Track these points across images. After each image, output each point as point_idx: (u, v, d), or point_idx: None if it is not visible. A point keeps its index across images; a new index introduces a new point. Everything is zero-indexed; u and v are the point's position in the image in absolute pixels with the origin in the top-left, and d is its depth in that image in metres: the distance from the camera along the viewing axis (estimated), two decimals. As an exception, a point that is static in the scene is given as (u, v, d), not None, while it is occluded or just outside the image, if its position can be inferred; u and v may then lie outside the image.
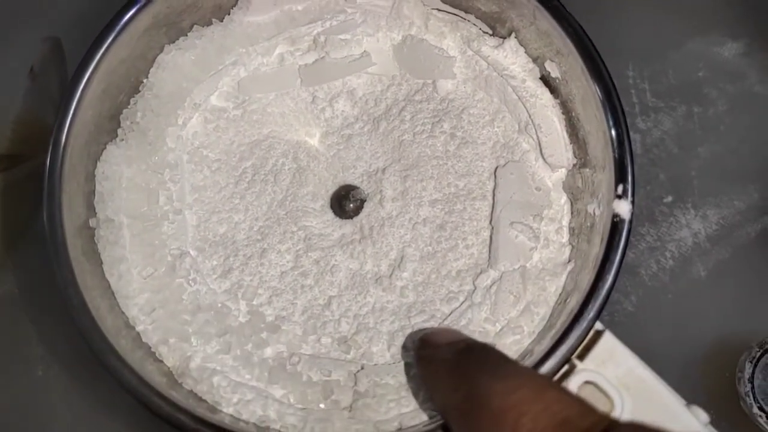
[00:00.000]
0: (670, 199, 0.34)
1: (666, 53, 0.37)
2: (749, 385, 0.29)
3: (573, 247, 0.29)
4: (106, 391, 0.32)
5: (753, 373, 0.29)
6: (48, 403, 0.32)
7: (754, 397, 0.29)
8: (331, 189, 0.32)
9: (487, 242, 0.30)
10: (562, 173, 0.30)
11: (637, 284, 0.33)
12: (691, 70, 0.36)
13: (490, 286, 0.28)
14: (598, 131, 0.27)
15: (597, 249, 0.25)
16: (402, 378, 0.27)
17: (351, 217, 0.31)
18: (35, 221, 0.34)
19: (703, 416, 0.23)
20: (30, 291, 0.34)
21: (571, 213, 0.29)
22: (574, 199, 0.30)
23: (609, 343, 0.23)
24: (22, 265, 0.34)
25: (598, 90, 0.26)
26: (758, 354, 0.29)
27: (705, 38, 0.37)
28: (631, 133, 0.34)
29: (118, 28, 0.28)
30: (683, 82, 0.36)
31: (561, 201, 0.30)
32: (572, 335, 0.23)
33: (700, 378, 0.32)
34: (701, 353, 0.32)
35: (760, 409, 0.28)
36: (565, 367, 0.23)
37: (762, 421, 0.28)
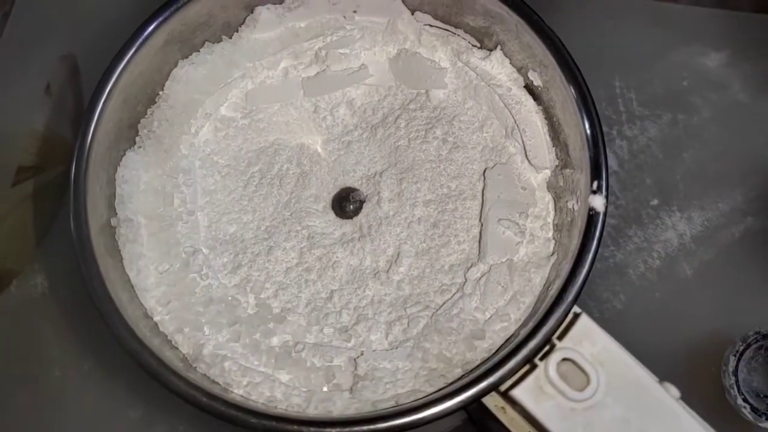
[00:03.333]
0: (656, 202, 0.36)
1: (652, 64, 0.38)
2: (733, 378, 0.29)
3: (556, 241, 0.31)
4: (121, 391, 0.34)
5: (737, 366, 0.30)
6: (64, 402, 0.34)
7: (738, 390, 0.29)
8: (333, 191, 0.34)
9: (478, 238, 0.32)
10: (546, 174, 0.32)
11: (626, 283, 0.34)
12: (675, 79, 0.38)
13: (480, 278, 0.31)
14: (576, 134, 0.29)
15: (576, 241, 0.27)
16: (398, 362, 0.29)
17: (351, 217, 0.34)
18: (51, 230, 0.36)
19: (674, 391, 0.25)
20: (48, 296, 0.36)
21: (555, 210, 0.32)
22: (557, 197, 0.32)
23: (585, 324, 0.25)
24: (43, 274, 0.36)
25: (575, 95, 0.29)
26: (741, 348, 0.30)
27: (689, 49, 0.38)
28: (618, 140, 0.36)
29: (137, 44, 0.30)
30: (668, 91, 0.38)
31: (545, 199, 0.32)
32: (552, 318, 0.25)
33: (687, 372, 0.32)
34: (688, 349, 0.33)
35: (744, 400, 0.29)
36: (547, 347, 0.25)
37: (746, 411, 0.29)
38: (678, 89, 0.38)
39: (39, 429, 0.34)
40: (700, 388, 0.31)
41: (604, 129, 0.28)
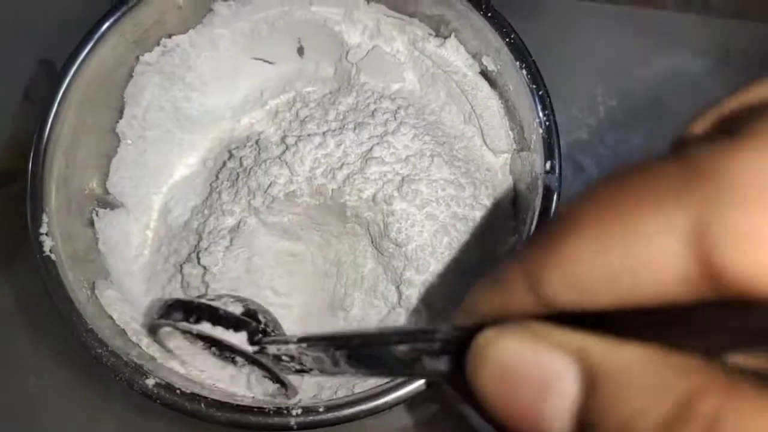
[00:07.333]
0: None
1: (634, 71, 0.38)
2: None
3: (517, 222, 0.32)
4: (96, 399, 0.34)
5: None
6: (40, 410, 0.34)
7: None
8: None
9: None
10: (506, 157, 0.33)
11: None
12: (658, 86, 0.38)
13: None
14: (530, 117, 0.30)
15: (531, 220, 0.28)
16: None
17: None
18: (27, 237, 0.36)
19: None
20: (23, 305, 0.36)
21: (514, 192, 0.32)
22: (516, 180, 0.32)
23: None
24: (16, 282, 0.36)
25: (527, 78, 0.29)
26: None
27: (672, 56, 0.38)
28: (600, 148, 0.36)
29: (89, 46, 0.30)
30: (651, 99, 0.37)
31: (508, 182, 0.33)
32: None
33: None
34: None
35: None
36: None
37: None
38: (661, 96, 0.37)
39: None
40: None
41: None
